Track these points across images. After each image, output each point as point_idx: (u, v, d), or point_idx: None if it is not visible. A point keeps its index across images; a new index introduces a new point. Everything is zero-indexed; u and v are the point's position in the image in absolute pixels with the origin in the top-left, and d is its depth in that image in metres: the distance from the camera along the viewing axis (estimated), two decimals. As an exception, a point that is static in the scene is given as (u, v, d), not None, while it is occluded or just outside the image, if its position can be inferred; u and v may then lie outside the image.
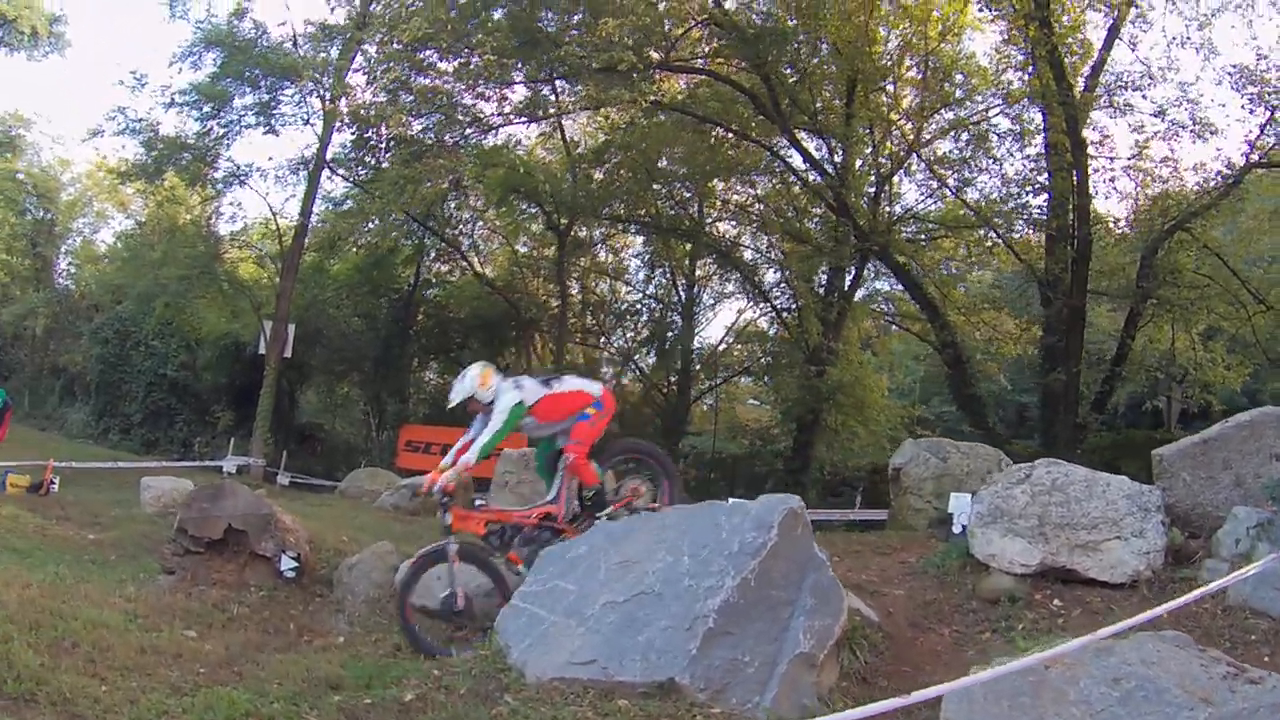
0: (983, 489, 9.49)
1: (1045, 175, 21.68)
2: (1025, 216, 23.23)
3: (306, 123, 27.16)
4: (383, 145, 26.18)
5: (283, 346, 25.97)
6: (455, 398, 8.63)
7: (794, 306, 28.17)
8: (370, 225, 23.97)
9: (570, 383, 8.70)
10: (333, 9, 26.29)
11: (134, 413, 34.38)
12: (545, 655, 6.55)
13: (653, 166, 25.73)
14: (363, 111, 24.29)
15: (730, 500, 8.20)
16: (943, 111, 23.32)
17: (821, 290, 27.55)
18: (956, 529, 10.14)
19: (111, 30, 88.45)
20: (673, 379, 32.69)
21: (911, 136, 23.25)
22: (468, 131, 24.83)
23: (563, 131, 27.62)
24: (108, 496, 18.43)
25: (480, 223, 31.76)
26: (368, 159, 27.40)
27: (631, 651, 6.22)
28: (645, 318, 34.48)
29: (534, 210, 29.53)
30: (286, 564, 9.86)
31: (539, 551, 8.00)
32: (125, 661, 6.73)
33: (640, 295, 34.53)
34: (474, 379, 8.45)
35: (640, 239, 33.13)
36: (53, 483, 17.17)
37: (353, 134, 27.47)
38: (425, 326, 33.81)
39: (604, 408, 8.55)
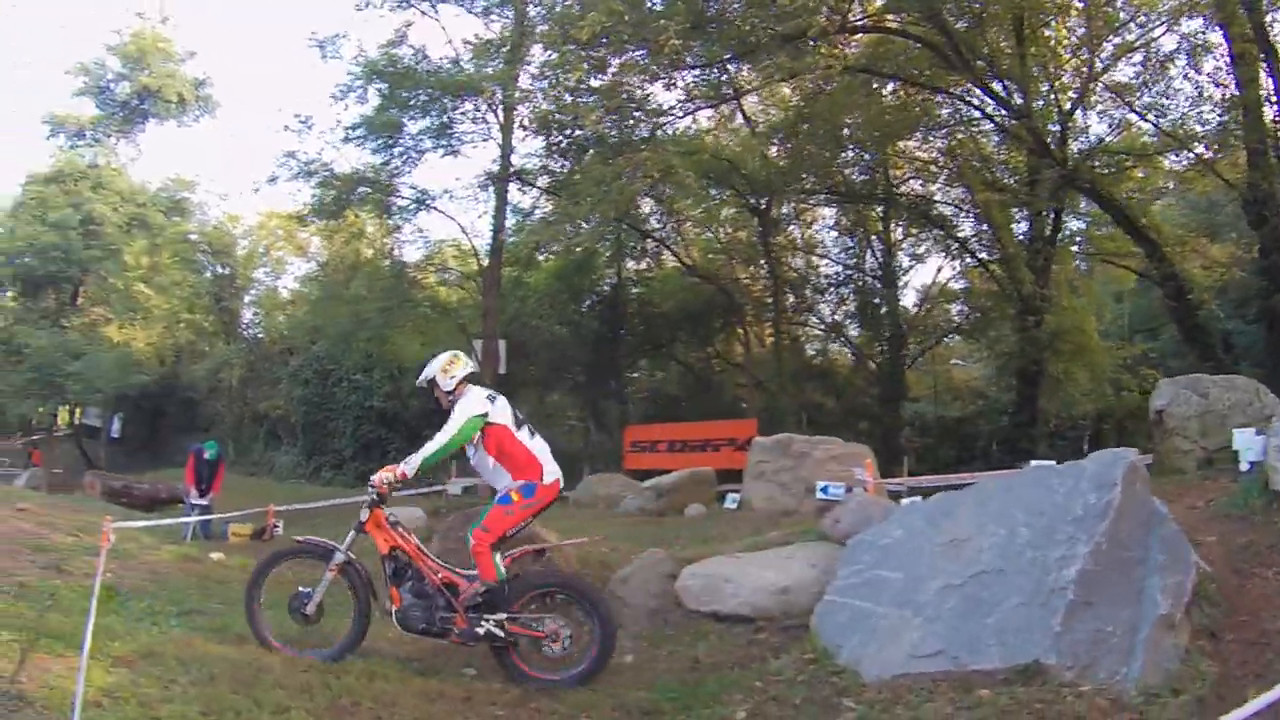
0: (1276, 422, 8.97)
1: (1234, 88, 20.50)
2: (1222, 134, 21.68)
3: (485, 139, 27.87)
4: (573, 148, 26.42)
5: (496, 363, 26.17)
6: (420, 380, 8.04)
7: (997, 257, 27.46)
8: (577, 229, 23.06)
9: (536, 445, 7.69)
10: (487, 24, 27.31)
11: (344, 448, 35.85)
12: (881, 651, 6.34)
13: (839, 134, 25.22)
14: (553, 116, 23.57)
15: (1033, 463, 7.53)
16: (1111, 38, 22.52)
17: (1022, 238, 26.98)
18: (1245, 466, 9.65)
19: (262, 82, 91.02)
20: (882, 348, 32.05)
21: (1084, 70, 22.70)
22: (660, 120, 24.74)
23: (743, 111, 26.97)
24: (329, 533, 18.94)
25: (672, 214, 30.89)
26: (555, 165, 27.91)
27: (983, 636, 5.93)
28: (849, 289, 34.02)
29: (727, 194, 29.31)
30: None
31: (416, 618, 7.49)
32: (415, 713, 6.37)
33: (838, 266, 34.25)
34: (439, 361, 7.91)
35: (830, 210, 32.94)
36: (276, 526, 17.17)
37: (543, 141, 27.89)
38: (632, 325, 33.73)
39: (533, 497, 7.50)
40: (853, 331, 34.21)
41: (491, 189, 28.15)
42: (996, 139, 26.41)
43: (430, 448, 7.43)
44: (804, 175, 27.41)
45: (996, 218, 26.74)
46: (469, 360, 8.10)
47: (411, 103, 26.76)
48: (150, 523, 11.01)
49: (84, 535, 12.87)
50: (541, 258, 31.93)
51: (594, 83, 22.42)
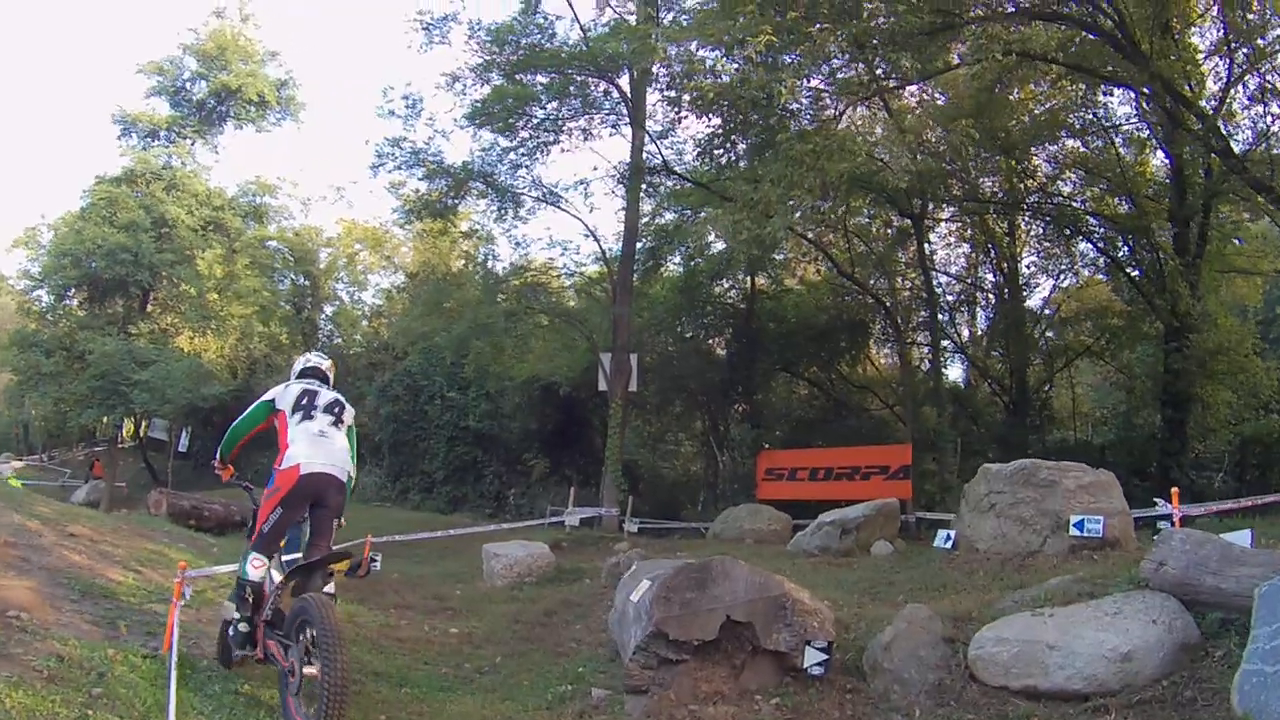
0: None
1: None
2: None
3: (614, 128, 26.10)
4: (743, 127, 23.22)
5: (627, 379, 24.18)
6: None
7: (1140, 273, 25.58)
8: (758, 222, 20.00)
9: (301, 429, 7.30)
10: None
11: (435, 470, 34.21)
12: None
13: (996, 135, 23.12)
14: (732, 89, 20.70)
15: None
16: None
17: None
18: None
19: (346, 86, 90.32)
20: (1011, 369, 29.63)
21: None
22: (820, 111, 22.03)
23: (888, 108, 24.71)
24: (437, 570, 17.68)
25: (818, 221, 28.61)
26: (719, 153, 24.52)
27: None
28: (981, 304, 32.04)
29: (872, 198, 26.67)
30: (813, 657, 7.70)
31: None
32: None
33: (963, 282, 32.09)
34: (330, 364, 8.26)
35: (951, 222, 30.58)
36: (374, 560, 14.55)
37: (706, 125, 24.42)
38: (765, 342, 30.81)
39: (272, 485, 7.12)
40: (982, 351, 31.87)
41: (623, 184, 25.95)
42: (1153, 139, 24.54)
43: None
44: (950, 179, 25.45)
45: (1158, 224, 24.50)
46: (312, 358, 8.17)
47: (549, 83, 24.65)
48: (229, 567, 8.89)
49: (147, 571, 10.94)
50: (675, 263, 29.98)
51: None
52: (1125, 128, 24.90)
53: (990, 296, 31.18)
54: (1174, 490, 12.38)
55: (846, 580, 12.63)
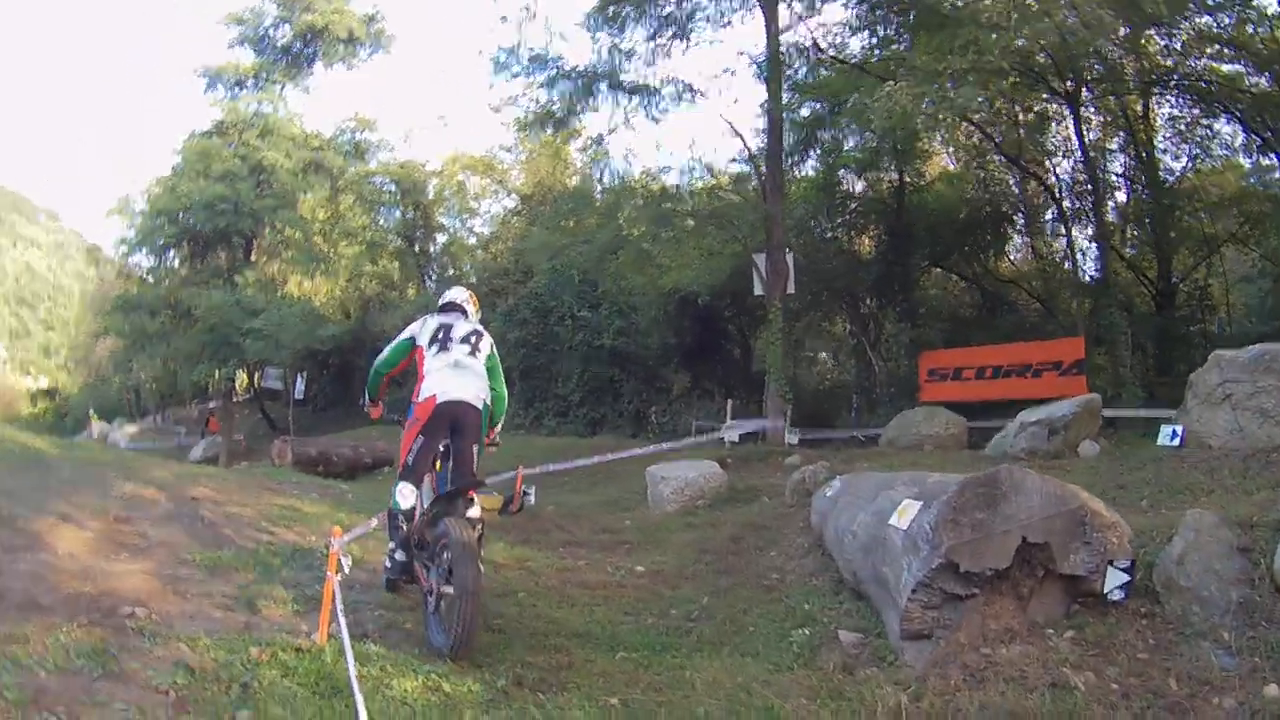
0: None
1: None
2: None
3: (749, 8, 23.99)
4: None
5: (785, 280, 22.87)
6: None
7: None
8: (940, 93, 17.99)
9: (435, 362, 7.39)
10: None
11: (570, 393, 33.08)
12: None
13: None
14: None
15: None
16: None
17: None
18: None
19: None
20: (1157, 258, 27.59)
21: None
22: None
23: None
24: (596, 498, 16.74)
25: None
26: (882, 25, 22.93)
27: None
28: (1124, 191, 29.35)
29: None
30: (1115, 579, 6.38)
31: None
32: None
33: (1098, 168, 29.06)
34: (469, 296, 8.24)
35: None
36: (526, 494, 12.94)
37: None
38: (919, 235, 29.09)
39: (412, 416, 7.35)
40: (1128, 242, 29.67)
41: (764, 71, 24.25)
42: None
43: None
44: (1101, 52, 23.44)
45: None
46: (450, 293, 8.17)
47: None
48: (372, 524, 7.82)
49: (282, 530, 9.92)
50: (811, 162, 28.38)
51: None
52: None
53: (1127, 182, 28.99)
54: None
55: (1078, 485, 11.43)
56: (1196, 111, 25.97)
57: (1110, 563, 6.33)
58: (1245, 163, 27.80)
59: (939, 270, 30.70)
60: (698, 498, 14.33)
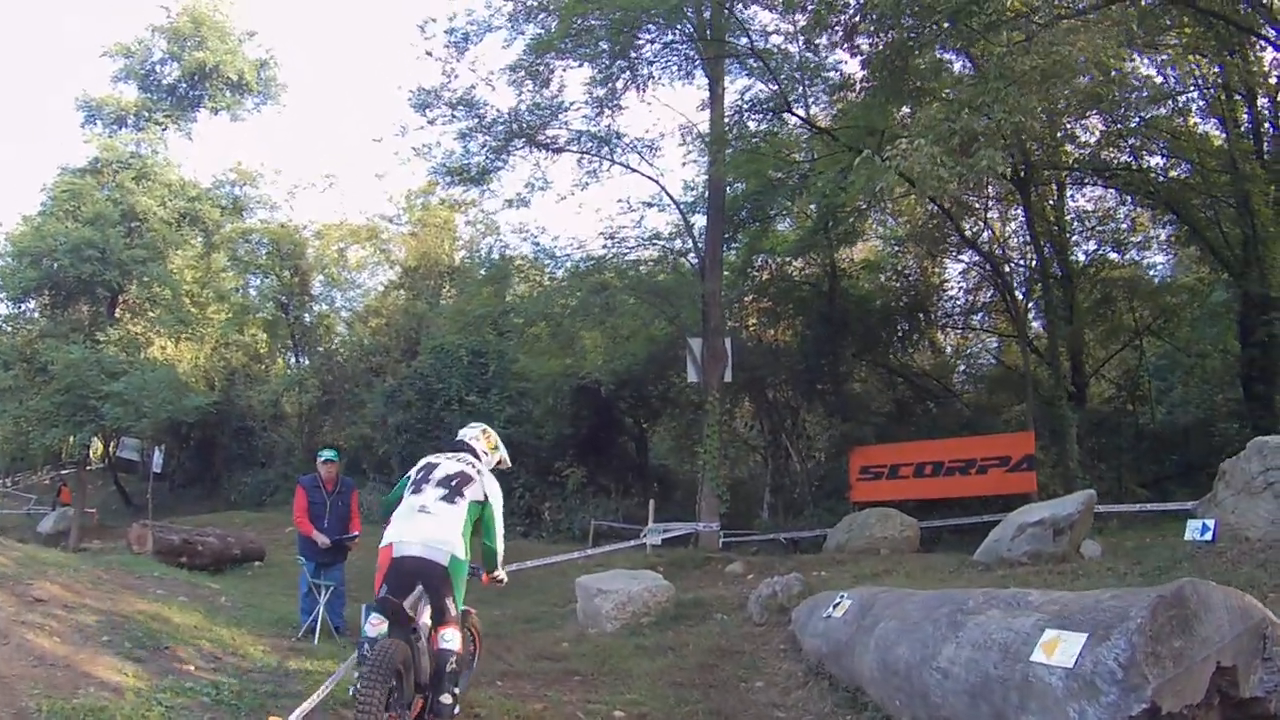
0: None
1: None
2: None
3: (688, 75, 23.42)
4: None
5: (723, 367, 22.22)
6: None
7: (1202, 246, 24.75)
8: (956, 160, 15.78)
9: (403, 505, 6.96)
10: None
11: (456, 485, 29.27)
12: None
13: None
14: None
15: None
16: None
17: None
18: None
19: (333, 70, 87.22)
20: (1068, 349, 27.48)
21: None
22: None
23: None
24: (512, 611, 14.79)
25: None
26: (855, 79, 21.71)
27: None
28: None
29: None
30: None
31: None
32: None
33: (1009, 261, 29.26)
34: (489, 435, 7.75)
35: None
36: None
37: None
38: (852, 324, 28.43)
39: (379, 559, 6.90)
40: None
41: (702, 140, 23.07)
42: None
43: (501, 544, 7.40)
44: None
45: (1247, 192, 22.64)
46: (464, 431, 7.81)
47: (587, 31, 21.33)
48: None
49: (151, 658, 7.84)
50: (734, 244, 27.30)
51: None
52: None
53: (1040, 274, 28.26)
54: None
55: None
56: (1115, 203, 27.15)
57: (1281, 682, 5.52)
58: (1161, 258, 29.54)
59: (870, 362, 29.99)
60: (642, 614, 12.51)
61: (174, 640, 8.51)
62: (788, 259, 28.74)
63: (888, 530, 18.52)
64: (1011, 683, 5.66)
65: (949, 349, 33.05)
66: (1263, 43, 20.68)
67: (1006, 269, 27.12)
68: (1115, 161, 25.17)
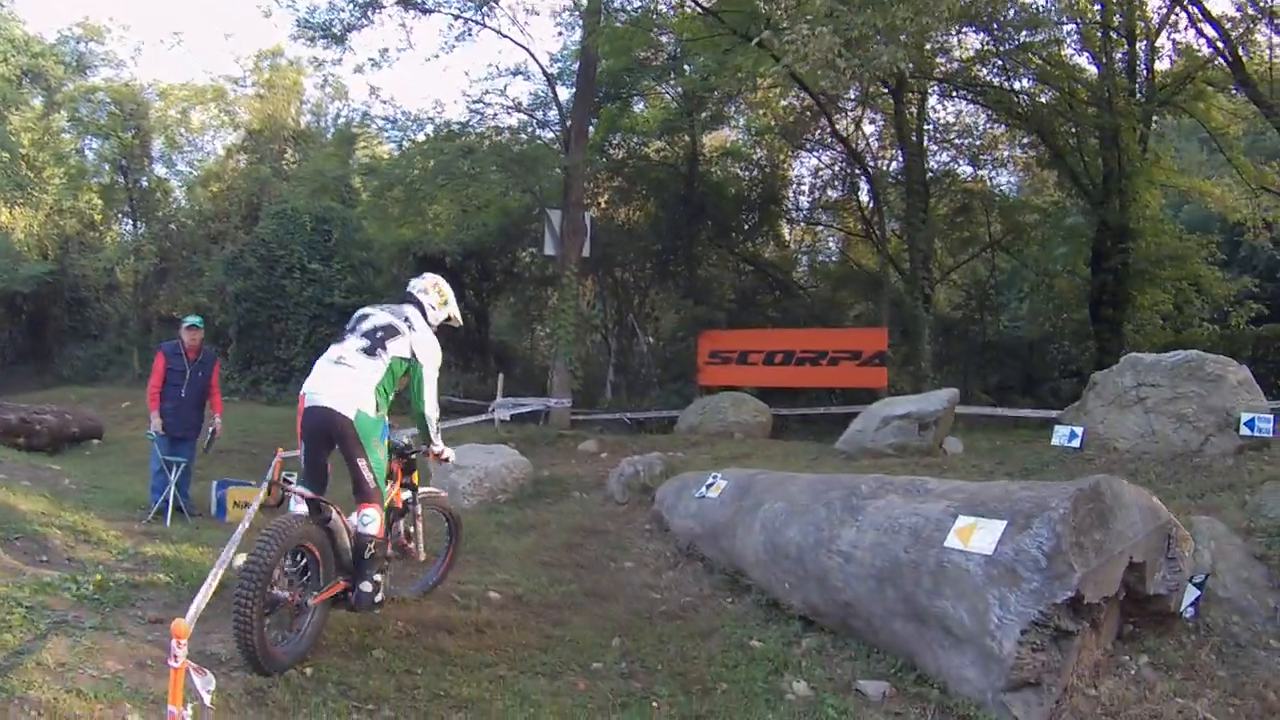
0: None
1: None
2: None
3: None
4: None
5: (582, 242, 22.10)
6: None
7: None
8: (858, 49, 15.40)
9: (326, 357, 6.52)
10: None
11: (293, 356, 29.95)
12: None
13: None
14: None
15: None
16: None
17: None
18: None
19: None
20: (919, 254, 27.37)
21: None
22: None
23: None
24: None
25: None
26: None
27: None
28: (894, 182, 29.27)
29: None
30: (1190, 596, 6.30)
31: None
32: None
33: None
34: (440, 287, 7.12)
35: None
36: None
37: None
38: (708, 211, 28.73)
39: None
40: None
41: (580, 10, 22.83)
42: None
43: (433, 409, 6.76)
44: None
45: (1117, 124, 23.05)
46: (416, 280, 7.17)
47: None
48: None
49: (4, 553, 7.23)
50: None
51: None
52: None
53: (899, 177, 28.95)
54: None
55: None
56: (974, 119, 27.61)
57: (1191, 579, 6.18)
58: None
59: (724, 249, 30.04)
60: (499, 490, 12.61)
61: (22, 531, 7.93)
62: (646, 139, 28.79)
63: (741, 415, 18.76)
64: (925, 567, 5.89)
65: (792, 244, 33.47)
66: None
67: (870, 169, 27.33)
68: (983, 78, 25.40)
